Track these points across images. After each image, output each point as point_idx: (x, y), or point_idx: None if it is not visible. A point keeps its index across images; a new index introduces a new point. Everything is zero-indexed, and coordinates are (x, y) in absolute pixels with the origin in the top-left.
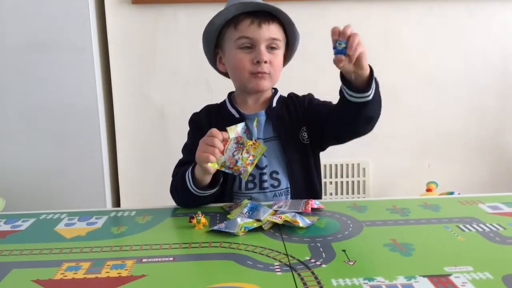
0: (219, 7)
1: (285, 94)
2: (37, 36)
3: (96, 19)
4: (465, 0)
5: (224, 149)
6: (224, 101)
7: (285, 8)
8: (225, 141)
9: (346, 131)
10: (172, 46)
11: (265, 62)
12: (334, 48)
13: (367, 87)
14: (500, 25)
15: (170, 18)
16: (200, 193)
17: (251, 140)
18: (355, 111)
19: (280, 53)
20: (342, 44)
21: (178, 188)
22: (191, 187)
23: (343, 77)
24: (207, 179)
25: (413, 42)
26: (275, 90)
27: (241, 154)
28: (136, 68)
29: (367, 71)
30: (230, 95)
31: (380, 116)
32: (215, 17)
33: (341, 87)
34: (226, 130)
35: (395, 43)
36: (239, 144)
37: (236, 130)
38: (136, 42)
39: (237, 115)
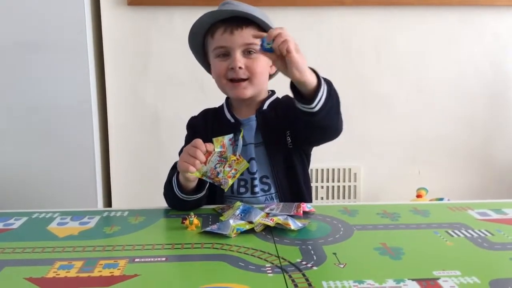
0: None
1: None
2: (32, 35)
3: (91, 19)
4: (457, 9)
5: (207, 160)
6: (222, 105)
7: (279, 14)
8: (208, 152)
9: (307, 137)
10: (167, 48)
11: (240, 68)
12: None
13: (311, 100)
14: (492, 34)
15: (166, 20)
16: (185, 197)
17: (236, 153)
18: (304, 119)
19: (260, 56)
20: (270, 44)
21: (167, 191)
22: (177, 192)
23: (292, 84)
24: (191, 185)
25: (405, 50)
26: (272, 92)
27: (223, 167)
28: (131, 69)
29: (309, 82)
30: (228, 99)
31: (342, 125)
32: (192, 29)
33: None
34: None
35: (387, 50)
36: (222, 157)
37: (222, 142)
38: (131, 43)
39: (232, 120)
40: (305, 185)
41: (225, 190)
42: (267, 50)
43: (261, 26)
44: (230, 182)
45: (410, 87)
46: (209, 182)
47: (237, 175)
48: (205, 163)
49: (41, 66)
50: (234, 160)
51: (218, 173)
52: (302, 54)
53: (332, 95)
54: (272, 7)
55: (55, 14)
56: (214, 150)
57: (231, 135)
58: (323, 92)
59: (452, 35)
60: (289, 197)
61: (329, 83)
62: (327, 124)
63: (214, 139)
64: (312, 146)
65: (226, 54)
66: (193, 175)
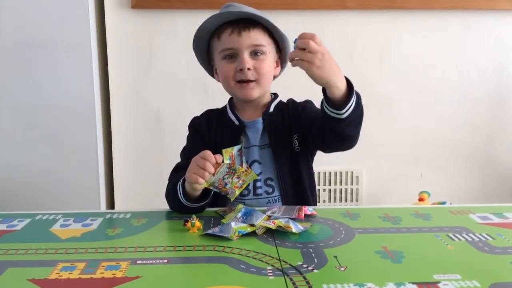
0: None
1: (285, 100)
2: (37, 36)
3: (95, 21)
4: (460, 12)
5: (216, 171)
6: (225, 106)
7: (281, 18)
8: (217, 164)
9: (323, 143)
10: (170, 50)
11: (249, 69)
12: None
13: (341, 106)
14: (495, 37)
15: (169, 23)
16: (190, 205)
17: (244, 164)
18: (329, 124)
19: (266, 58)
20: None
21: (170, 196)
22: (182, 198)
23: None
24: (197, 193)
25: (408, 53)
26: (275, 95)
27: (232, 178)
28: (134, 70)
29: (336, 88)
30: (231, 100)
31: (359, 136)
32: (198, 30)
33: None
34: (221, 153)
35: (390, 53)
36: (231, 169)
37: (231, 153)
38: (135, 45)
39: (236, 122)
40: (310, 189)
41: (232, 200)
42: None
43: (268, 28)
44: (237, 192)
45: (413, 90)
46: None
47: (244, 186)
48: (213, 174)
49: (46, 67)
50: (243, 171)
51: (225, 184)
52: (326, 62)
53: (359, 106)
54: (275, 11)
55: (60, 15)
56: (223, 161)
57: (239, 146)
58: (353, 101)
59: (454, 38)
60: (293, 200)
61: (358, 95)
62: (348, 133)
63: (223, 151)
64: (323, 151)
65: (233, 55)
66: (201, 185)
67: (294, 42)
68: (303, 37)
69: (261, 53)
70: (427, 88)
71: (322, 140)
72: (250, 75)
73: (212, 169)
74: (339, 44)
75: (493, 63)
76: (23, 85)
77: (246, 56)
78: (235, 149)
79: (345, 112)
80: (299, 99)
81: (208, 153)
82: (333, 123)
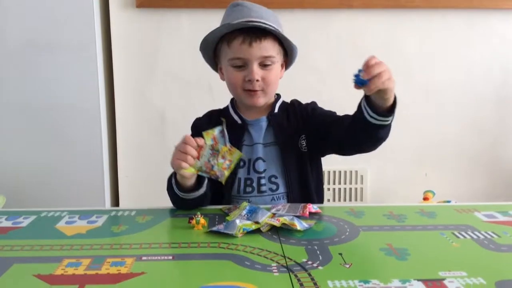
0: (221, 13)
1: (288, 100)
2: (41, 36)
3: (100, 21)
4: (466, 12)
5: (200, 155)
6: (227, 106)
7: (287, 16)
8: (200, 147)
9: (351, 147)
10: (174, 50)
11: (257, 80)
12: (355, 75)
13: (388, 113)
14: (500, 37)
15: (173, 22)
16: (185, 195)
17: (227, 144)
18: (369, 131)
19: (275, 67)
20: (360, 74)
21: (169, 191)
22: (177, 191)
23: (367, 97)
24: (188, 182)
25: (413, 52)
26: (278, 96)
27: (217, 159)
28: (139, 70)
29: (390, 100)
30: (233, 100)
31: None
32: (209, 35)
33: (361, 105)
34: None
35: (395, 53)
36: (214, 150)
37: (213, 135)
38: (139, 45)
39: (239, 121)
40: (316, 189)
41: (223, 182)
42: (363, 83)
43: (278, 36)
44: (226, 173)
45: (418, 89)
46: (208, 179)
47: (232, 166)
48: (198, 158)
49: (51, 67)
50: (227, 151)
51: (212, 166)
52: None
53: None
54: (281, 9)
55: (65, 15)
56: (205, 143)
57: (220, 128)
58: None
59: (459, 38)
60: (298, 197)
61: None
62: (383, 136)
63: (204, 133)
64: (342, 154)
65: (242, 65)
66: (187, 171)
67: (356, 76)
68: (373, 62)
69: (269, 64)
70: (432, 87)
71: (353, 144)
72: (258, 86)
73: (194, 152)
74: (344, 42)
75: (498, 62)
76: (29, 85)
77: (255, 67)
78: (216, 130)
79: (391, 118)
80: (300, 99)
81: (188, 136)
82: (376, 130)
